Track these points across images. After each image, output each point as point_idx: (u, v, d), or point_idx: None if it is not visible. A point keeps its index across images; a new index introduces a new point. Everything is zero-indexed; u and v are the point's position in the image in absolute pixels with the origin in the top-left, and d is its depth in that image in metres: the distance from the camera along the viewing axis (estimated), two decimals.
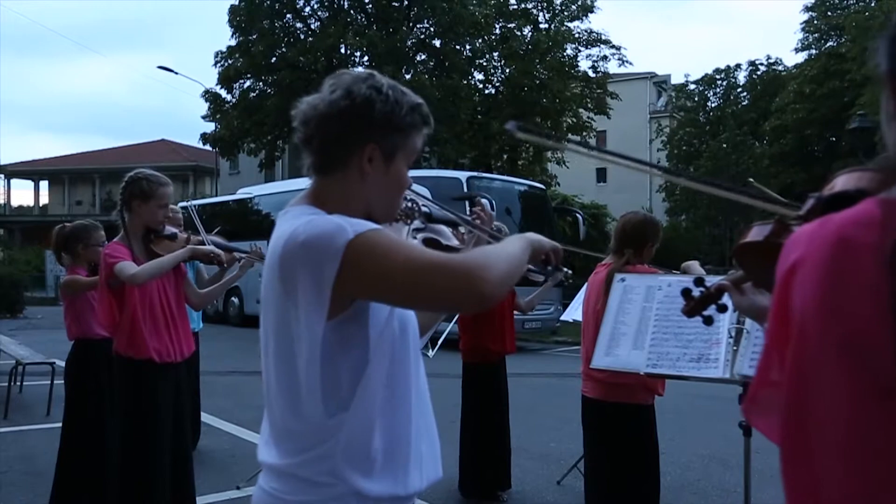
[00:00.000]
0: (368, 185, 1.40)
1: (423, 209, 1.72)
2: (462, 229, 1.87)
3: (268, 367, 1.39)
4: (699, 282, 1.64)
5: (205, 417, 6.76)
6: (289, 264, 1.29)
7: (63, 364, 4.48)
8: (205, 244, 3.58)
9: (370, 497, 1.31)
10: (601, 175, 41.82)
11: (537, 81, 26.32)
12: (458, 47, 25.78)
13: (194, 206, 4.40)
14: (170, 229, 3.43)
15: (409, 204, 1.66)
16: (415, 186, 1.67)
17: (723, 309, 1.64)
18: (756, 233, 1.32)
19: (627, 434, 3.36)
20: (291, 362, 1.32)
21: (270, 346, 1.37)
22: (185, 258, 3.34)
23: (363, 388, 1.31)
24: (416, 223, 1.70)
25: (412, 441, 1.37)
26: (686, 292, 1.66)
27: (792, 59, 56.52)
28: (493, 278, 1.22)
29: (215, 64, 26.65)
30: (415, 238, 1.67)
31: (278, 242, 1.32)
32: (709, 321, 1.67)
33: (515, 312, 5.09)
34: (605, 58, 28.83)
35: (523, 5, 28.48)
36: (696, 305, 1.64)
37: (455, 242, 1.79)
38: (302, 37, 26.56)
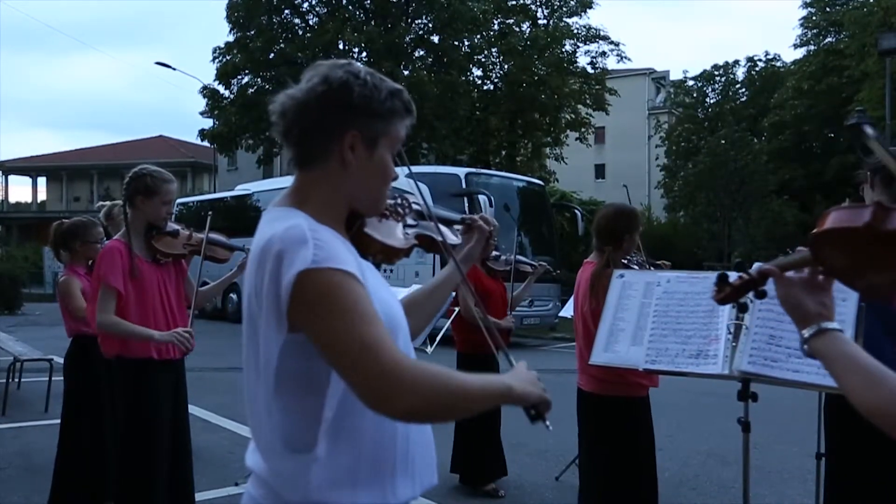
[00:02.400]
0: (352, 175, 1.34)
1: (415, 206, 1.67)
2: (457, 227, 1.82)
3: (247, 375, 1.34)
4: (740, 267, 1.49)
5: (203, 414, 6.77)
6: (261, 271, 1.25)
7: (61, 360, 4.47)
8: (204, 241, 3.56)
9: None
10: (599, 171, 41.84)
11: (536, 77, 26.32)
12: (456, 43, 25.74)
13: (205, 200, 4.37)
14: (172, 226, 3.41)
15: (400, 201, 1.62)
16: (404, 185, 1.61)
17: (762, 295, 1.47)
18: (849, 218, 1.22)
19: (622, 426, 3.37)
20: (265, 379, 1.28)
21: (246, 353, 1.33)
22: (146, 339, 3.19)
23: (342, 402, 1.25)
24: (409, 220, 1.64)
25: (398, 449, 1.31)
26: (722, 278, 1.52)
27: (790, 55, 56.65)
28: (407, 405, 1.16)
29: (213, 60, 26.63)
30: (408, 235, 1.60)
31: (257, 246, 1.28)
32: (744, 308, 1.58)
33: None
34: (603, 54, 28.88)
35: (522, 1, 28.47)
36: (733, 293, 1.50)
37: (451, 238, 1.75)
38: (300, 33, 26.54)
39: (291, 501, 1.27)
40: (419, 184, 1.62)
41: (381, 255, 1.48)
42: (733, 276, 1.50)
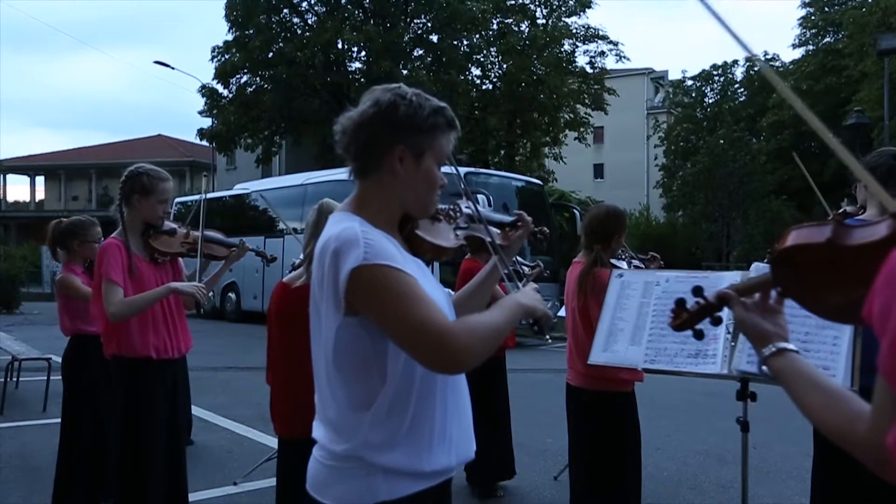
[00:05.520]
0: (402, 183, 1.54)
1: (466, 210, 1.87)
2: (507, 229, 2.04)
3: (314, 355, 1.57)
4: (697, 291, 1.47)
5: (201, 413, 6.76)
6: (321, 266, 1.47)
7: (59, 360, 4.46)
8: (199, 240, 3.55)
9: (391, 469, 1.46)
10: (598, 171, 41.83)
11: (535, 77, 26.30)
12: (455, 43, 25.74)
13: (205, 199, 4.32)
14: (169, 225, 3.39)
15: (453, 206, 1.82)
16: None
17: (717, 321, 1.47)
18: (810, 235, 1.21)
19: (607, 420, 3.44)
20: (325, 355, 1.51)
21: (312, 336, 1.56)
22: (167, 294, 3.26)
23: (383, 374, 1.46)
24: (460, 223, 1.84)
25: (436, 423, 1.50)
26: (680, 303, 1.49)
27: (789, 55, 56.73)
28: (470, 360, 1.41)
29: (212, 59, 26.59)
30: (457, 236, 1.80)
31: (319, 246, 1.51)
32: (699, 335, 1.52)
33: None
34: (602, 53, 28.86)
35: (521, 1, 28.44)
36: (690, 319, 1.48)
37: (500, 239, 1.96)
38: (299, 32, 26.50)
39: (337, 453, 1.49)
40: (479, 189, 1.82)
41: (430, 253, 1.67)
42: (691, 301, 1.48)
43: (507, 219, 2.06)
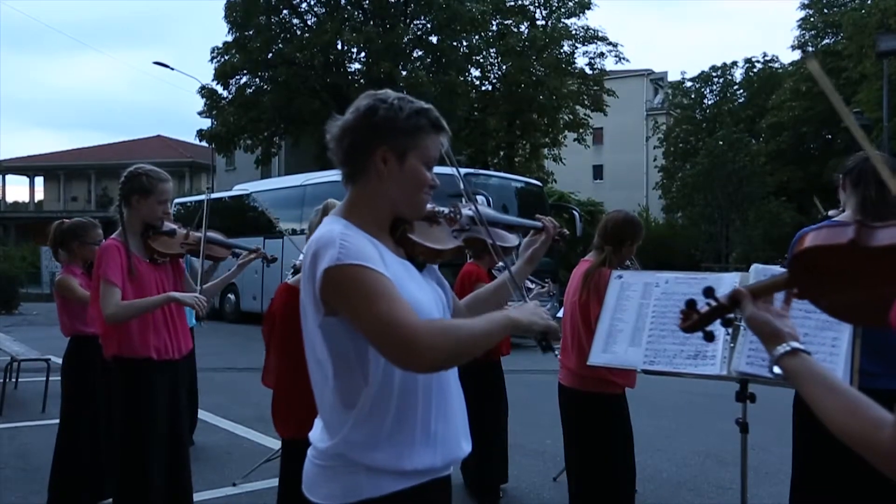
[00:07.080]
0: (388, 185, 1.56)
1: (467, 212, 1.84)
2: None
3: (306, 353, 1.59)
4: (709, 292, 1.43)
5: (201, 414, 6.74)
6: (305, 268, 1.51)
7: (58, 360, 4.46)
8: (201, 241, 3.55)
9: (373, 468, 1.48)
10: (598, 172, 41.83)
11: (534, 78, 26.35)
12: (454, 44, 25.75)
13: (210, 199, 4.29)
14: (168, 226, 3.38)
15: (452, 208, 1.81)
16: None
17: (729, 323, 1.44)
18: (831, 236, 1.21)
19: (595, 421, 3.46)
20: (313, 356, 1.55)
21: (304, 337, 1.58)
22: (165, 303, 3.25)
23: (366, 374, 1.47)
24: (464, 225, 1.83)
25: (419, 423, 1.51)
26: (690, 304, 1.45)
27: (788, 56, 56.67)
28: (434, 359, 1.41)
29: (211, 60, 26.61)
30: (455, 238, 1.79)
31: (306, 248, 1.55)
32: (710, 337, 1.48)
33: None
34: (601, 55, 28.92)
35: (520, 2, 28.49)
36: (700, 320, 1.44)
37: (509, 241, 1.95)
38: (298, 33, 26.52)
39: (323, 451, 1.52)
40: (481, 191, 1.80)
41: (423, 255, 1.66)
42: (703, 303, 1.45)
43: (520, 221, 2.02)
